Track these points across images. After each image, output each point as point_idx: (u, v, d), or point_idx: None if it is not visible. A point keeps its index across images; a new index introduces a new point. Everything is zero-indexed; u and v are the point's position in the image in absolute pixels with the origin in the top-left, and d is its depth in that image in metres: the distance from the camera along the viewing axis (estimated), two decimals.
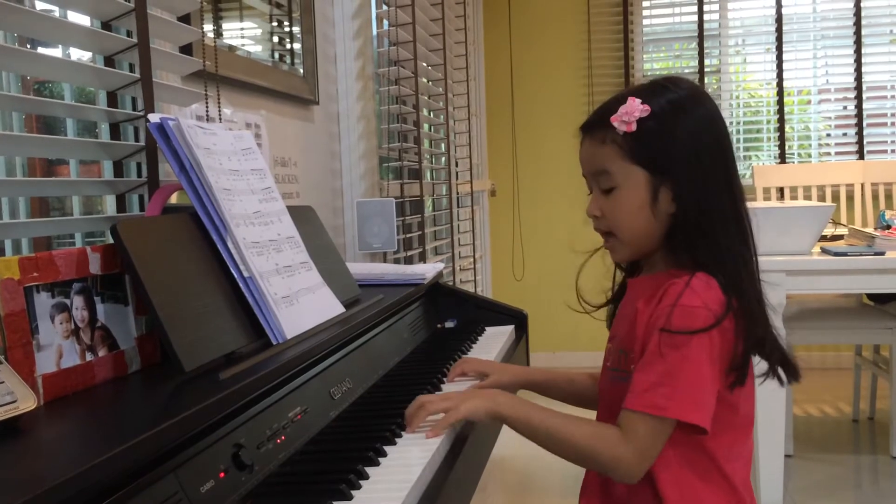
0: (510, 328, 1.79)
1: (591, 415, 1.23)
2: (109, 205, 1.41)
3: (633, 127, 1.04)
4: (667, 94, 1.07)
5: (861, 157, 4.18)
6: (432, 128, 3.19)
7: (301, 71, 2.06)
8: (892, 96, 4.24)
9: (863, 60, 4.18)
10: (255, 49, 1.96)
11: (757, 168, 3.57)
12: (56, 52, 1.42)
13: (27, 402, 0.76)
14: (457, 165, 3.44)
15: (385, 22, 2.52)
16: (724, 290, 1.02)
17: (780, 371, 1.11)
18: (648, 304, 1.06)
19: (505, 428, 1.15)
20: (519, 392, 1.27)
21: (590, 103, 4.33)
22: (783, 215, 2.43)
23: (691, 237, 1.05)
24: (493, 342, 1.65)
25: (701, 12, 4.32)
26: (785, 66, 4.26)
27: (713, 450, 1.05)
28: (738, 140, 4.39)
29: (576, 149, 1.14)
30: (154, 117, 1.10)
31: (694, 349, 0.99)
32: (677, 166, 1.05)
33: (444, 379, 1.33)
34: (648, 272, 1.14)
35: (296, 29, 2.07)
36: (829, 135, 4.33)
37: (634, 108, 1.05)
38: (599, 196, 1.10)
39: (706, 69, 4.34)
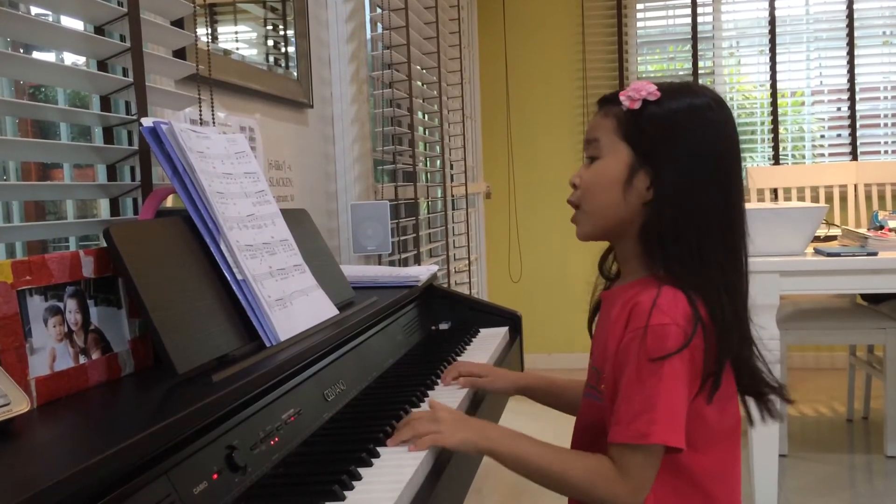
0: (504, 330, 1.79)
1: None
2: (103, 208, 1.42)
3: (637, 105, 1.04)
4: (684, 94, 1.06)
5: (854, 158, 4.19)
6: (427, 130, 3.19)
7: (295, 74, 2.07)
8: (885, 97, 4.26)
9: (856, 62, 4.19)
10: (250, 53, 1.97)
11: (751, 169, 3.58)
12: (50, 56, 1.42)
13: (20, 404, 0.76)
14: (451, 168, 3.45)
15: (379, 25, 2.53)
16: (690, 303, 0.99)
17: (752, 404, 1.08)
18: (620, 316, 1.03)
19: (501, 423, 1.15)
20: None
21: (584, 105, 4.34)
22: (777, 216, 2.44)
23: (665, 235, 1.03)
24: (487, 344, 1.66)
25: (695, 14, 4.33)
26: (778, 67, 4.27)
27: (694, 469, 1.03)
28: None
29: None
30: (147, 121, 1.11)
31: (667, 370, 0.97)
32: (664, 156, 1.03)
33: (438, 381, 1.34)
34: (624, 281, 1.11)
35: (290, 32, 2.07)
36: (822, 136, 4.34)
37: (644, 88, 1.05)
38: (584, 166, 1.10)
39: (700, 71, 4.35)
